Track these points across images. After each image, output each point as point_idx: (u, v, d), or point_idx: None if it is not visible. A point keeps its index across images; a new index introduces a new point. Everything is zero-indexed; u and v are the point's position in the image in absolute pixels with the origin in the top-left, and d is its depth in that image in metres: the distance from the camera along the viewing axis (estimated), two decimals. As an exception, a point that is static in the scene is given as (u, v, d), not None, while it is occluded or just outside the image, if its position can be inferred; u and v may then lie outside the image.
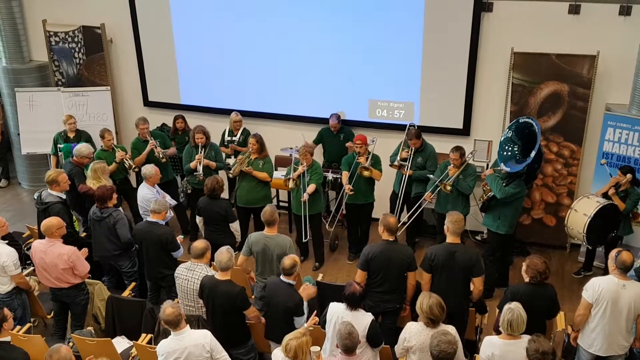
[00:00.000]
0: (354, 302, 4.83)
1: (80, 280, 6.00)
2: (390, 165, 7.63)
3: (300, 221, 7.54)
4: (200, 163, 7.71)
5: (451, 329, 4.61)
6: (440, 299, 4.63)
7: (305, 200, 7.21)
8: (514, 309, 4.49)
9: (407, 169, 7.48)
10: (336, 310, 4.92)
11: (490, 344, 4.61)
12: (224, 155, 8.22)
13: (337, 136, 8.36)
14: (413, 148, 7.49)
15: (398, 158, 7.56)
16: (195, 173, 7.75)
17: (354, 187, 7.40)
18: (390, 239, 5.54)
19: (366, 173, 7.32)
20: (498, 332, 5.14)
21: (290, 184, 7.27)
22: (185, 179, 8.19)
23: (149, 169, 7.17)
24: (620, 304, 4.96)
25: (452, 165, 7.02)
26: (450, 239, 5.50)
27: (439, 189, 7.07)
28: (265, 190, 7.75)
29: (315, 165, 7.43)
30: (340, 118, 8.29)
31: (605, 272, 7.11)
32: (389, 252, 5.48)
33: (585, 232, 6.70)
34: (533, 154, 6.41)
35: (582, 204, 6.86)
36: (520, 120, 6.71)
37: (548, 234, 7.92)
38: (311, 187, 7.26)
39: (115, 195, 6.56)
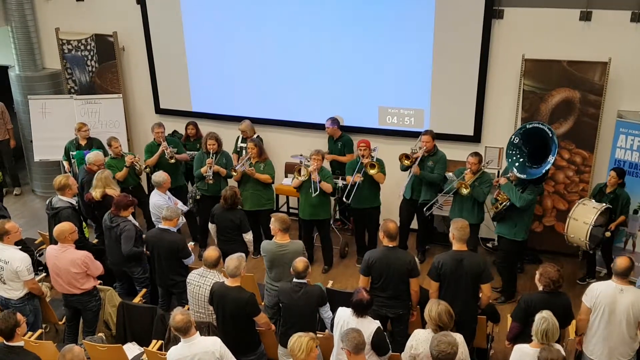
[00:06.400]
0: (360, 310, 4.82)
1: (93, 282, 6.04)
2: (400, 157, 7.50)
3: (307, 226, 7.64)
4: (210, 167, 7.75)
5: (458, 337, 4.59)
6: (449, 307, 4.61)
7: (316, 179, 7.23)
8: (548, 318, 4.42)
9: (415, 163, 7.43)
10: (342, 315, 4.92)
11: (522, 353, 4.54)
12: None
13: (335, 144, 8.39)
14: (425, 147, 7.47)
15: (410, 151, 7.59)
16: (205, 174, 7.80)
17: (358, 192, 7.41)
18: (391, 245, 5.54)
19: (372, 171, 7.30)
20: (511, 342, 5.12)
21: (303, 171, 7.26)
22: (195, 185, 8.24)
23: (161, 177, 7.20)
24: (618, 309, 4.92)
25: (468, 170, 7.00)
26: (456, 246, 5.47)
27: (454, 190, 7.03)
28: (269, 193, 7.85)
29: (324, 171, 7.47)
30: (337, 123, 8.26)
31: (605, 277, 7.13)
32: (389, 259, 5.48)
33: (587, 239, 6.72)
34: (552, 159, 6.43)
35: (580, 211, 6.88)
36: (527, 126, 6.71)
37: (560, 242, 7.83)
38: (328, 186, 7.29)
39: (131, 209, 6.58)
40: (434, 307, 4.59)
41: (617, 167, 7.08)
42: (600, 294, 4.96)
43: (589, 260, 7.50)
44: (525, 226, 6.84)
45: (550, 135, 6.47)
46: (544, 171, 6.59)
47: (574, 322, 5.51)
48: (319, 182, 7.25)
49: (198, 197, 8.20)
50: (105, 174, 7.24)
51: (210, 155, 7.83)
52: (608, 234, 6.84)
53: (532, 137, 6.66)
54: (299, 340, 4.29)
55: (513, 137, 6.81)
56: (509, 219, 6.83)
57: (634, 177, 7.12)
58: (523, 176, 6.61)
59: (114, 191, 7.18)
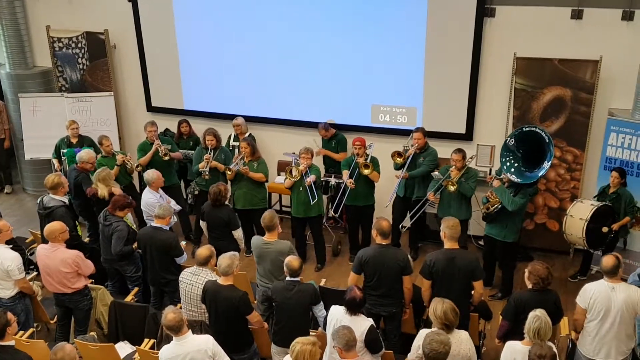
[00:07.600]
0: (353, 308, 4.82)
1: (84, 281, 6.01)
2: (392, 155, 7.56)
3: (300, 224, 7.63)
4: (207, 163, 7.74)
5: (464, 334, 4.59)
6: (453, 304, 4.55)
7: (309, 184, 7.29)
8: (540, 317, 4.41)
9: (403, 171, 7.49)
10: (335, 314, 4.92)
11: (513, 350, 4.54)
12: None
13: (329, 143, 8.40)
14: (417, 144, 7.49)
15: (402, 148, 7.67)
16: (201, 170, 7.78)
17: (352, 190, 7.43)
18: (384, 243, 5.54)
19: (366, 172, 7.33)
20: (501, 340, 5.13)
21: (294, 172, 7.31)
22: (195, 180, 8.24)
23: (151, 175, 7.18)
24: (613, 308, 4.94)
25: (453, 167, 7.02)
26: (448, 244, 5.47)
27: (442, 188, 7.06)
28: (263, 192, 7.87)
29: (313, 166, 7.52)
30: (327, 126, 8.31)
31: (597, 275, 7.16)
32: (382, 257, 5.48)
33: (584, 236, 6.74)
34: (547, 165, 6.47)
35: (577, 208, 6.91)
36: (524, 129, 6.72)
37: (551, 239, 7.90)
38: (312, 177, 7.32)
39: (127, 211, 6.55)
40: (439, 306, 4.52)
41: (619, 167, 7.05)
42: (594, 294, 4.98)
43: (584, 258, 7.51)
44: (515, 228, 6.84)
45: (547, 141, 6.48)
46: (539, 175, 6.60)
47: (565, 319, 5.55)
48: (309, 178, 7.27)
49: (197, 192, 8.20)
50: (105, 173, 7.19)
51: (209, 151, 7.82)
52: (605, 229, 6.82)
53: (527, 140, 6.67)
54: (303, 348, 4.18)
55: (508, 139, 6.81)
56: (499, 221, 6.83)
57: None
58: (518, 180, 6.63)
59: (117, 190, 7.17)
